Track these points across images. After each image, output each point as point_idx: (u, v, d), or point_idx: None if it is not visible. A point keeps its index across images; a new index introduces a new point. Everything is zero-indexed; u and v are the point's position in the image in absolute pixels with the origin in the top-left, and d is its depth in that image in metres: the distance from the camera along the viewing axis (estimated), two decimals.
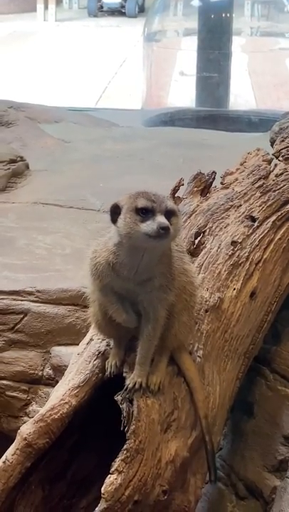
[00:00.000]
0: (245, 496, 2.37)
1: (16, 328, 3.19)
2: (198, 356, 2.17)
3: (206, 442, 2.10)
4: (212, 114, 7.93)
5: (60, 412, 2.13)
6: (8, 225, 3.88)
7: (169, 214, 1.87)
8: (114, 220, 1.91)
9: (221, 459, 2.47)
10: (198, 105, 8.40)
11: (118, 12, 24.25)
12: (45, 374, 3.16)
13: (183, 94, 8.89)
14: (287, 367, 2.40)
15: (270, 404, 2.39)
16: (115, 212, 1.91)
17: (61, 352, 3.09)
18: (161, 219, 1.84)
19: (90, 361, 2.18)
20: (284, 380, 2.40)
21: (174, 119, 7.77)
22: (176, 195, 2.50)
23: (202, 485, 2.15)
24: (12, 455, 2.12)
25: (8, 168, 4.42)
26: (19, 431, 2.15)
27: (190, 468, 2.08)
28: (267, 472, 2.32)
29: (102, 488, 1.94)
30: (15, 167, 4.48)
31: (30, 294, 3.22)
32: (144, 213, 1.86)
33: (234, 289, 2.30)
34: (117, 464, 1.95)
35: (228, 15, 8.96)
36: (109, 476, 1.95)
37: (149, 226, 1.84)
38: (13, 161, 4.48)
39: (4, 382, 3.18)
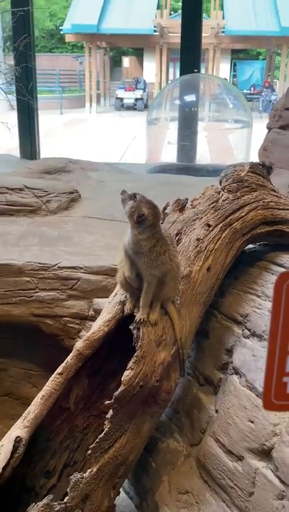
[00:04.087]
0: (203, 384, 2.37)
1: (73, 287, 3.18)
2: (177, 304, 2.16)
3: (179, 353, 2.10)
4: (186, 166, 7.88)
5: (98, 335, 2.13)
6: (69, 229, 3.86)
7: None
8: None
9: (189, 362, 2.47)
10: (179, 161, 8.36)
11: (132, 108, 24.18)
12: (89, 314, 3.16)
13: (169, 155, 8.83)
14: (228, 310, 2.40)
15: (217, 331, 2.39)
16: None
17: (99, 301, 3.09)
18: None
19: (115, 306, 2.18)
20: (226, 317, 2.39)
21: (165, 169, 7.72)
22: (164, 212, 2.48)
23: (178, 377, 2.14)
24: (70, 359, 2.13)
25: (69, 197, 4.39)
26: (75, 345, 2.15)
27: (172, 368, 2.09)
28: (216, 370, 2.31)
29: (122, 378, 1.95)
30: (73, 196, 4.44)
31: (81, 268, 3.21)
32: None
33: (198, 266, 2.28)
34: (130, 364, 1.95)
35: (195, 109, 8.93)
36: (126, 371, 1.96)
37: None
38: (71, 193, 4.45)
39: (66, 318, 3.19)
